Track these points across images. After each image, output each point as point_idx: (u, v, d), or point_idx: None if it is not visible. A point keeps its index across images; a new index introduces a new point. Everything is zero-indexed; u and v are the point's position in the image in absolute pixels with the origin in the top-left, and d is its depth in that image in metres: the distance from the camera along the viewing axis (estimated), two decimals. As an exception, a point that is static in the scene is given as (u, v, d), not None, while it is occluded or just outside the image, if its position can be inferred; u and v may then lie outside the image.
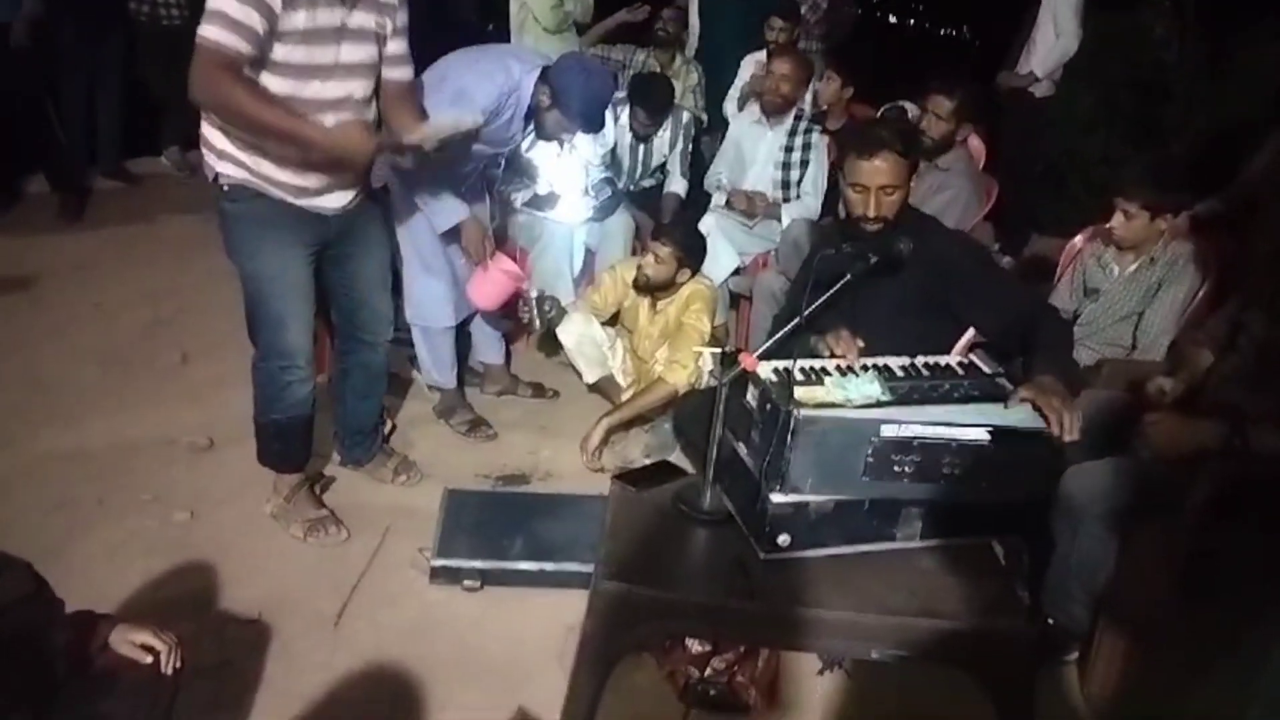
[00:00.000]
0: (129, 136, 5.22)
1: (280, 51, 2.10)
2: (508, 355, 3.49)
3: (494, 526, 2.52)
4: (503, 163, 3.09)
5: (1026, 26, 4.85)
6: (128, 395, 3.22)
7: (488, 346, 3.39)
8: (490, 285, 2.98)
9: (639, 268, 3.12)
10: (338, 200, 2.37)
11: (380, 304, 2.62)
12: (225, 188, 2.26)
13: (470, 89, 2.60)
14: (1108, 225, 2.71)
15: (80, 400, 3.16)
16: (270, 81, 2.12)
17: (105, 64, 4.87)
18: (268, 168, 2.24)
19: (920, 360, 2.03)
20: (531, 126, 2.86)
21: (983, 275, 2.29)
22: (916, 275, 2.22)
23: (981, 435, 1.79)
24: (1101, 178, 5.04)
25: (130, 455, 2.87)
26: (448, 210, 2.81)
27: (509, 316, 3.34)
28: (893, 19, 11.81)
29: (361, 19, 2.22)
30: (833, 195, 3.76)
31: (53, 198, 4.72)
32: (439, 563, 2.42)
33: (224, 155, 2.23)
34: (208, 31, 2.03)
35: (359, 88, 2.27)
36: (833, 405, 1.80)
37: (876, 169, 2.19)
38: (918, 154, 2.34)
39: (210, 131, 2.25)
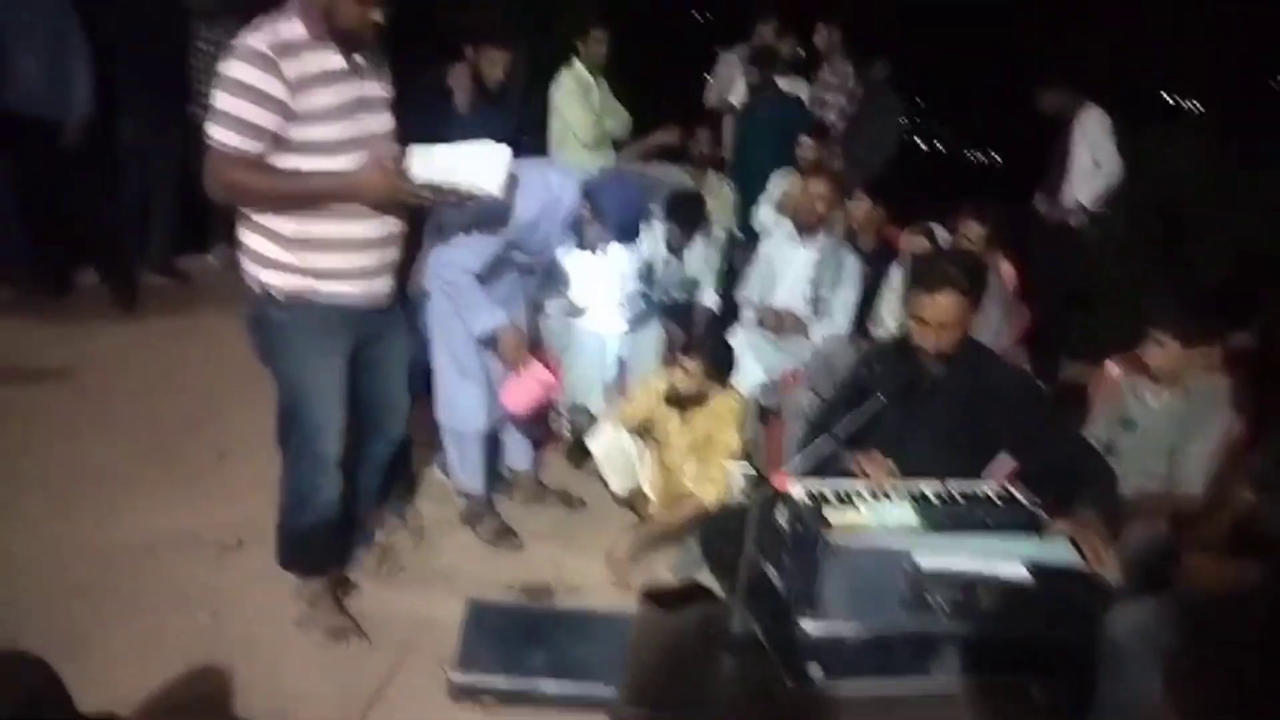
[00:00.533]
0: (179, 232, 5.34)
1: (306, 132, 2.13)
2: (536, 462, 3.50)
3: (517, 643, 2.46)
4: (539, 271, 3.17)
5: (1060, 153, 4.78)
6: (161, 489, 3.24)
7: (517, 452, 3.40)
8: (524, 391, 3.01)
9: (669, 381, 3.14)
10: (385, 284, 2.38)
11: (403, 400, 2.67)
12: (280, 298, 2.25)
13: (510, 199, 2.68)
14: (1142, 357, 2.69)
15: (114, 491, 3.18)
16: (300, 161, 2.14)
17: (162, 163, 5.01)
18: (319, 260, 2.23)
19: (955, 486, 2.02)
20: (571, 237, 2.95)
21: (1033, 414, 2.28)
22: (966, 405, 2.22)
23: (1019, 571, 1.77)
24: (1133, 303, 5.04)
25: (158, 551, 2.87)
26: (485, 316, 2.87)
27: (540, 423, 3.35)
28: (919, 142, 12.12)
29: (373, 87, 2.28)
30: (860, 315, 3.81)
31: (102, 289, 4.86)
32: (459, 679, 2.36)
33: (274, 264, 2.23)
34: (216, 133, 2.08)
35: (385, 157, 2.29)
36: (866, 529, 1.79)
37: (939, 305, 2.21)
38: (980, 293, 2.35)
39: (252, 239, 2.25)
